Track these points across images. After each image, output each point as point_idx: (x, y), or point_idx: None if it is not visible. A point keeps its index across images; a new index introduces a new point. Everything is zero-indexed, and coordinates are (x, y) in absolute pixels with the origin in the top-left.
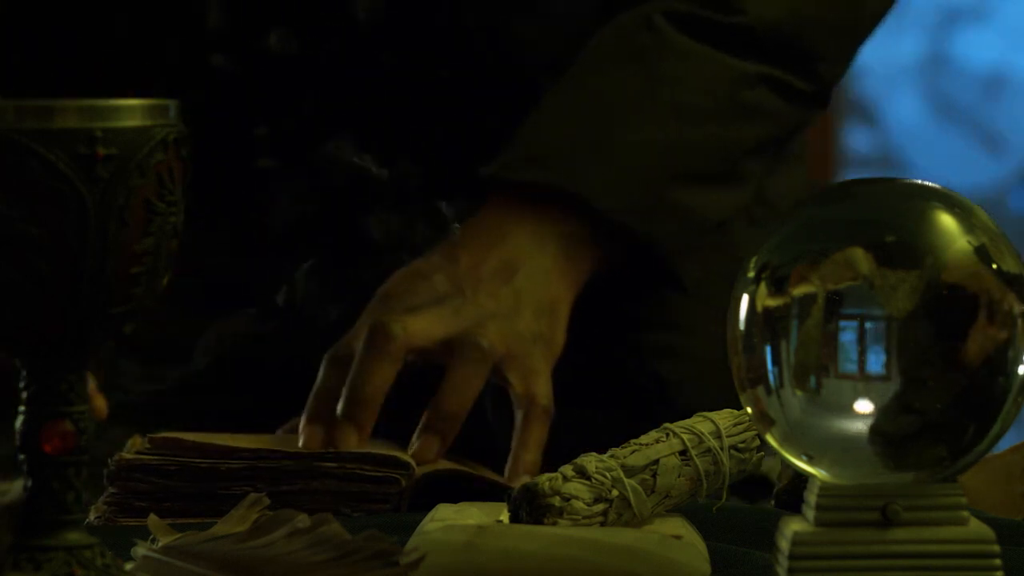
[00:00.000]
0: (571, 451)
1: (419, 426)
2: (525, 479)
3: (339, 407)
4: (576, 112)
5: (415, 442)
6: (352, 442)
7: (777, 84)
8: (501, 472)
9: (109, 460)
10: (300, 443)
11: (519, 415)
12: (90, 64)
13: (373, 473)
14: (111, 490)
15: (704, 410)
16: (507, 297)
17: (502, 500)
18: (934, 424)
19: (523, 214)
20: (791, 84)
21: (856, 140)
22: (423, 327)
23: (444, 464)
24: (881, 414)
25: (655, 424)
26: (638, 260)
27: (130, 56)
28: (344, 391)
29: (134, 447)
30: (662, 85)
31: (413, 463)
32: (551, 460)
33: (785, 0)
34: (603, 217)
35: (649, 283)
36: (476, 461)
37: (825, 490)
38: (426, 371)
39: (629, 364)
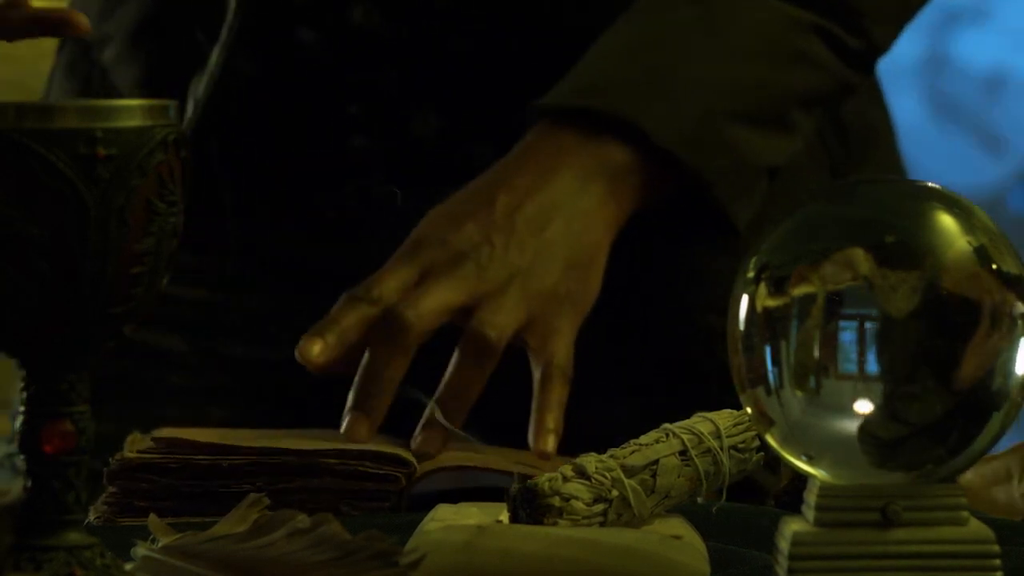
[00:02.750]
0: (624, 434)
1: (422, 420)
2: (551, 440)
3: (350, 399)
4: (633, 48)
5: (418, 436)
6: (362, 432)
7: (827, 35)
8: (513, 447)
9: (110, 459)
10: (343, 428)
11: (536, 377)
12: (173, 40)
13: (375, 471)
14: (111, 489)
15: None
16: (538, 250)
17: (502, 500)
18: (933, 424)
19: (573, 146)
20: (840, 38)
21: None
22: (438, 302)
23: (447, 459)
24: (881, 414)
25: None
26: (686, 200)
27: (214, 29)
28: (356, 382)
29: (134, 445)
30: (718, 25)
31: (415, 461)
32: (606, 444)
33: None
34: (656, 148)
35: (699, 225)
36: (484, 443)
37: (825, 490)
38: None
39: (694, 349)
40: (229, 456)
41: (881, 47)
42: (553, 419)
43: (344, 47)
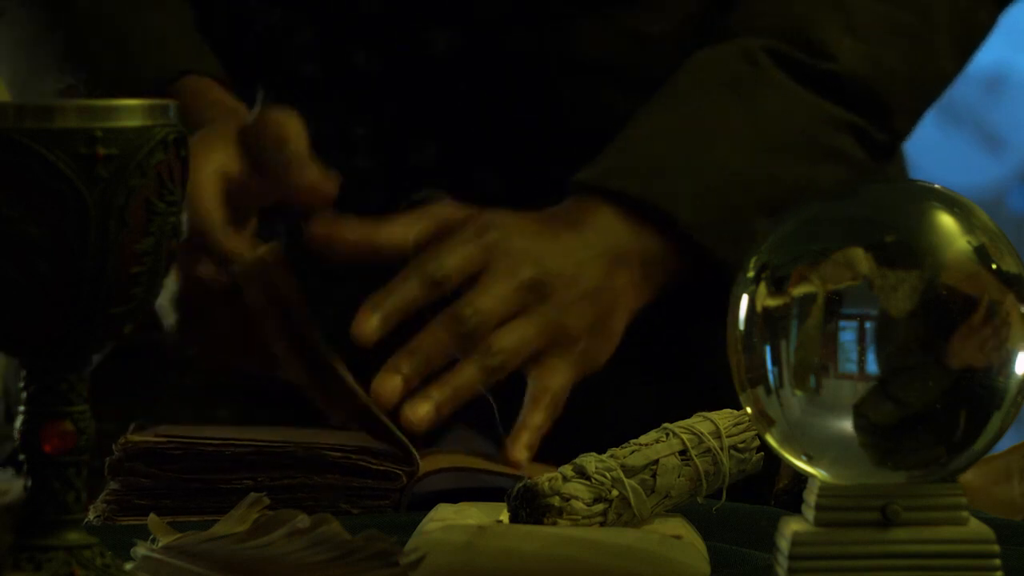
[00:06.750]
0: (623, 429)
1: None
2: (526, 455)
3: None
4: (676, 131)
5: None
6: (424, 414)
7: (859, 132)
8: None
9: (113, 446)
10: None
11: (527, 398)
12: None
13: (376, 467)
14: (112, 486)
15: None
16: (573, 303)
17: (502, 500)
18: (933, 423)
19: (610, 227)
20: (870, 134)
21: None
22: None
23: (448, 461)
24: (880, 414)
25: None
26: (710, 283)
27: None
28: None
29: (136, 434)
30: (760, 118)
31: (418, 459)
32: (607, 440)
33: (872, 53)
34: (691, 240)
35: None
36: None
37: (825, 490)
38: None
39: (700, 353)
40: (232, 446)
41: (903, 138)
42: (529, 437)
43: (346, 83)
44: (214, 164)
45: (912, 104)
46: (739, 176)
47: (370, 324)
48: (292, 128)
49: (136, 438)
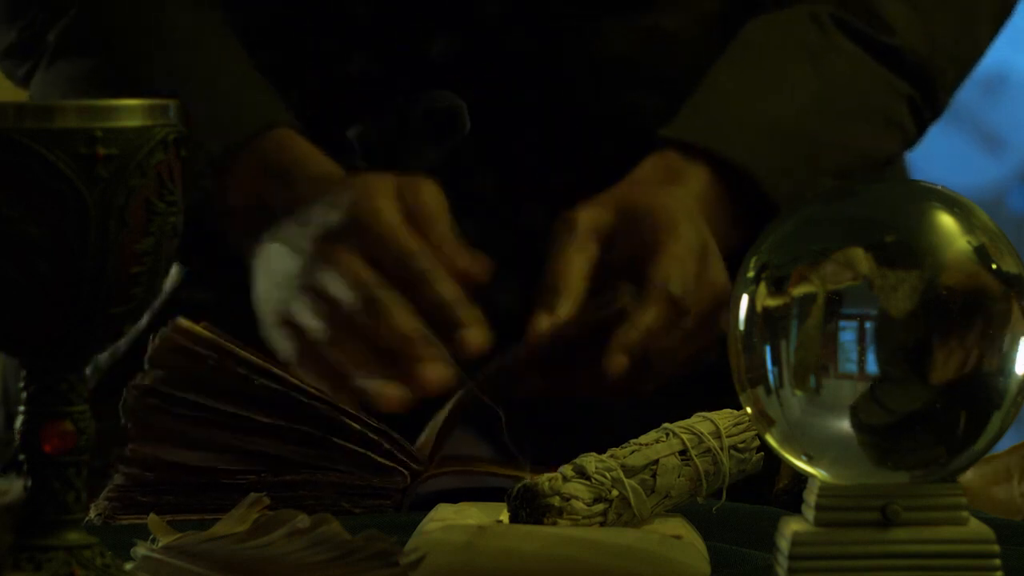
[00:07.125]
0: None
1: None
2: (620, 361)
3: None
4: (750, 93)
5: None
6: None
7: (914, 107)
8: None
9: (152, 336)
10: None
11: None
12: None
13: (383, 461)
14: (116, 481)
15: None
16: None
17: (502, 500)
18: (933, 423)
19: (699, 190)
20: (920, 107)
21: None
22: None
23: (454, 465)
24: (871, 416)
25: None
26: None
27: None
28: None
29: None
30: (830, 82)
31: (427, 445)
32: (607, 440)
33: (928, 29)
34: (769, 202)
35: None
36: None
37: (825, 490)
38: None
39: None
40: (263, 375)
41: (939, 116)
42: (634, 336)
43: (344, 86)
44: (395, 213)
45: (954, 82)
46: (815, 141)
47: (621, 362)
48: (436, 204)
49: (185, 324)
